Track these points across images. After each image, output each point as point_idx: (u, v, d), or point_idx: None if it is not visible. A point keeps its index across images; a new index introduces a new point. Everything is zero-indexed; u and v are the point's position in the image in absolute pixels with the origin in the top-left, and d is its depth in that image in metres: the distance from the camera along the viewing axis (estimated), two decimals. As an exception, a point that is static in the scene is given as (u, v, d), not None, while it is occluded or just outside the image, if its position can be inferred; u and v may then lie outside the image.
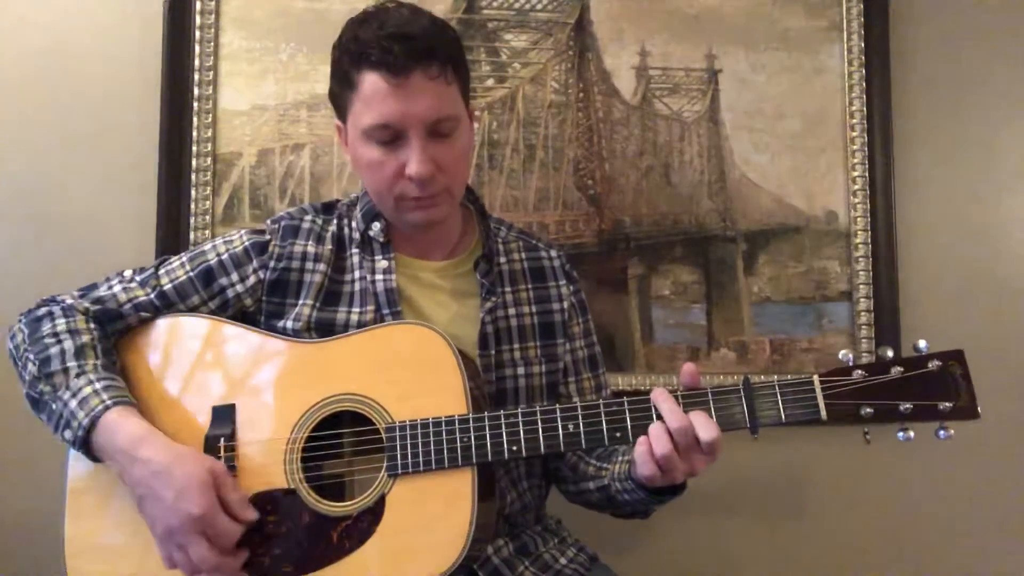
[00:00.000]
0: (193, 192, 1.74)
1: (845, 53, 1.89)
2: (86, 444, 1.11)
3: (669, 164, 1.86)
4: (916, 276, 1.87)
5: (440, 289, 1.28)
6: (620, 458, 1.22)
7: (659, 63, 1.86)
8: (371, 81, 1.12)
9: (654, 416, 1.08)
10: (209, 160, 1.75)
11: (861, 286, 1.85)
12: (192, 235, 1.73)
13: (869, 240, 1.86)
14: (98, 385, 1.12)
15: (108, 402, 1.10)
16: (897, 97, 1.88)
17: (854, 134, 1.87)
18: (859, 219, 1.86)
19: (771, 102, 1.88)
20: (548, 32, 1.84)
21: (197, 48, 1.75)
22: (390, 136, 1.14)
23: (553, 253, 1.38)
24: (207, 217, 1.75)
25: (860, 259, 1.86)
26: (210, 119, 1.76)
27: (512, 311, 1.30)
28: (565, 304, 1.34)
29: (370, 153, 1.16)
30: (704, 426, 1.04)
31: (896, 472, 1.85)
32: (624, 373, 1.79)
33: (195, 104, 1.75)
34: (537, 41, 1.84)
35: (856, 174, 1.87)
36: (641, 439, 1.07)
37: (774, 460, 1.84)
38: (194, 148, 1.74)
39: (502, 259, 1.33)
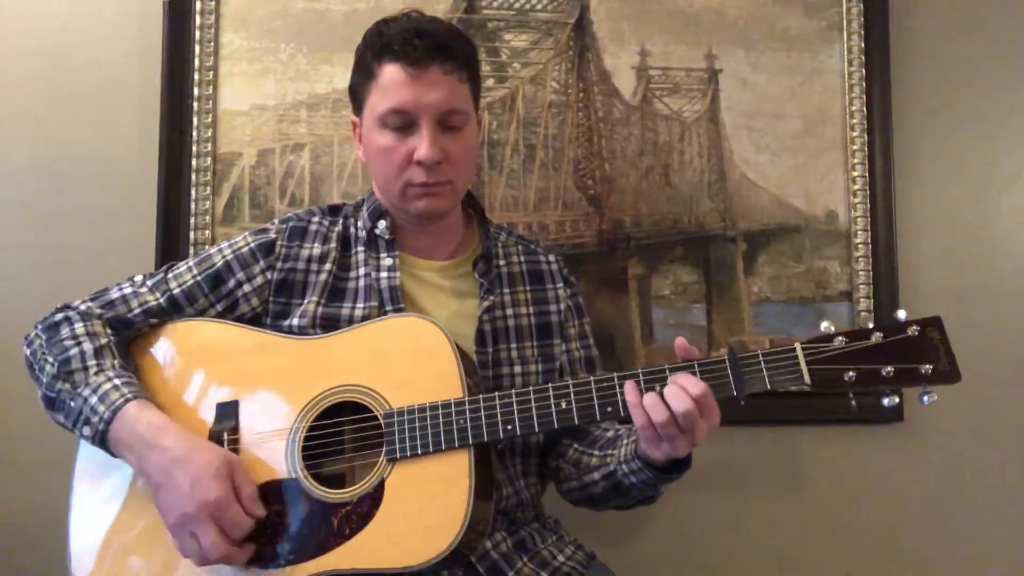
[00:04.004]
0: (193, 192, 1.74)
1: (845, 53, 1.89)
2: (104, 438, 1.13)
3: (669, 164, 1.86)
4: (916, 276, 1.87)
5: (440, 288, 1.31)
6: (624, 442, 1.23)
7: (659, 63, 1.86)
8: (390, 71, 1.21)
9: (643, 391, 1.09)
10: (209, 160, 1.75)
11: (861, 286, 1.85)
12: (192, 235, 1.73)
13: (869, 240, 1.85)
14: (117, 381, 1.16)
15: (128, 395, 1.14)
16: (897, 97, 1.88)
17: (854, 134, 1.87)
18: (859, 219, 1.86)
19: (771, 102, 1.88)
20: (548, 32, 1.84)
21: (197, 48, 1.75)
22: (403, 122, 1.21)
23: (551, 258, 1.42)
24: (207, 217, 1.75)
25: (860, 259, 1.86)
26: (210, 119, 1.76)
27: (510, 311, 1.33)
28: (562, 306, 1.38)
29: (383, 139, 1.23)
30: (691, 383, 1.07)
31: (893, 466, 1.84)
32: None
33: (195, 104, 1.75)
34: (537, 41, 1.84)
35: (856, 174, 1.87)
36: (632, 393, 1.08)
37: (771, 462, 1.84)
38: (194, 148, 1.74)
39: (501, 261, 1.36)
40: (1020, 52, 1.93)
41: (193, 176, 1.74)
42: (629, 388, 1.09)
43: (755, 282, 1.86)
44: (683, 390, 1.06)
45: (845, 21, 1.89)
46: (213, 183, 1.76)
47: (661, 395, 1.07)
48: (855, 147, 1.87)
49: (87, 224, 1.74)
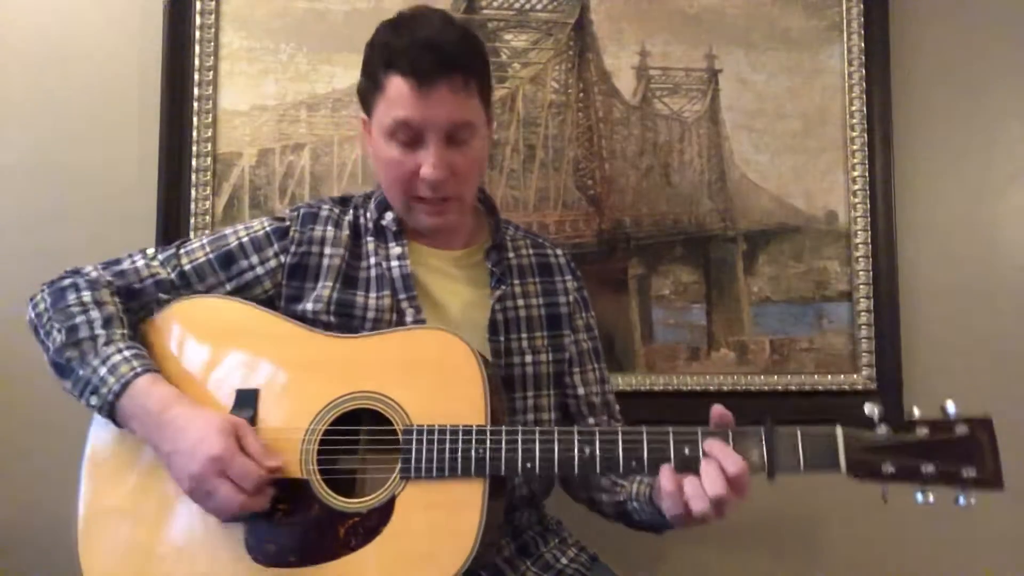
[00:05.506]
0: (193, 192, 1.74)
1: (845, 53, 1.89)
2: (112, 409, 1.13)
3: (669, 164, 1.86)
4: (916, 276, 1.87)
5: (453, 277, 1.31)
6: (638, 478, 1.21)
7: (659, 63, 1.86)
8: (397, 84, 1.17)
9: (672, 451, 1.06)
10: (209, 160, 1.75)
11: (861, 286, 1.85)
12: (192, 235, 1.72)
13: (869, 240, 1.86)
14: (127, 353, 1.15)
15: (139, 369, 1.14)
16: (897, 97, 1.88)
17: (854, 134, 1.87)
18: (859, 219, 1.86)
19: (771, 102, 1.88)
20: (548, 32, 1.84)
21: (197, 48, 1.75)
22: (409, 136, 1.19)
23: (559, 251, 1.43)
24: (207, 217, 1.75)
25: (860, 259, 1.86)
26: (210, 119, 1.76)
27: (521, 302, 1.33)
28: (570, 298, 1.38)
29: (390, 151, 1.21)
30: (730, 460, 1.03)
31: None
32: (624, 373, 1.79)
33: (195, 104, 1.75)
34: (537, 41, 1.84)
35: (856, 174, 1.87)
36: (669, 481, 1.04)
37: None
38: (194, 148, 1.74)
39: (511, 254, 1.36)
40: (1020, 52, 1.94)
41: (193, 176, 1.74)
42: (665, 474, 1.05)
43: (755, 282, 1.86)
44: (720, 471, 1.02)
45: (845, 21, 1.89)
46: (213, 183, 1.76)
47: (697, 473, 1.03)
48: (855, 147, 1.87)
49: (87, 224, 1.74)
